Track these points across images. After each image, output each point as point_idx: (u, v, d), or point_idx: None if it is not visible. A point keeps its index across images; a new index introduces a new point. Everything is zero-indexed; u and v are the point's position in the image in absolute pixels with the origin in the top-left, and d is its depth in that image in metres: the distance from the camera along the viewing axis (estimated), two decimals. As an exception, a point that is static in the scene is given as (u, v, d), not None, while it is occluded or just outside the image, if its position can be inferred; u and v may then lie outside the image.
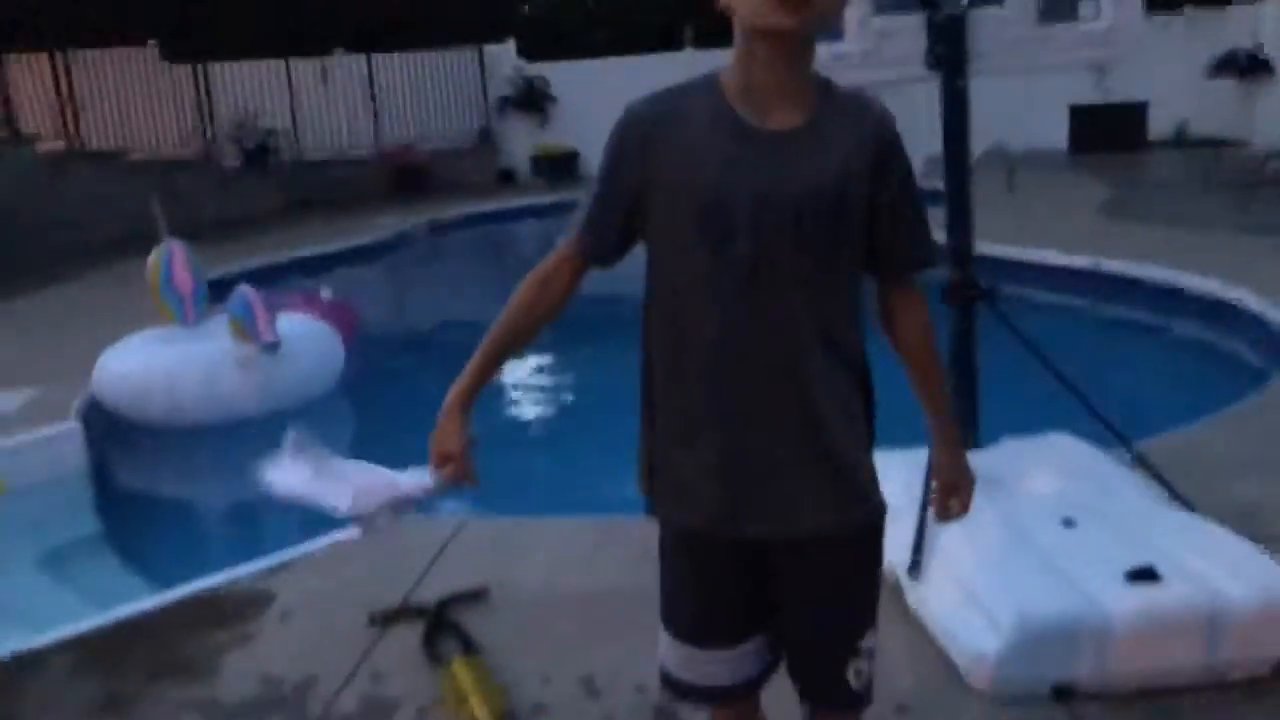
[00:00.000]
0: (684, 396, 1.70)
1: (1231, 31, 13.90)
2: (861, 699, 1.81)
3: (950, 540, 2.98)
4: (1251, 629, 2.62)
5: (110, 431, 5.84)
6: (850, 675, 1.77)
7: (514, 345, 1.78)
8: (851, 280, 1.69)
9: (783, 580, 1.75)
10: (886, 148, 1.65)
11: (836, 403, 1.68)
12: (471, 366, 1.77)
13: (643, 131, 1.65)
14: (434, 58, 15.96)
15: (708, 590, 1.79)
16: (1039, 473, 3.34)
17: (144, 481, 5.87)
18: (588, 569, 3.33)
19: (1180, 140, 13.79)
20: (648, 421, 1.77)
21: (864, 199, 1.63)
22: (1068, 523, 3.00)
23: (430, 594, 3.33)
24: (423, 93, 16.03)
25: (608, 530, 3.58)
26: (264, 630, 3.27)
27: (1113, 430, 3.53)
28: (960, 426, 1.93)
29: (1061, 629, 2.61)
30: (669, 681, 1.88)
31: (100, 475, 5.43)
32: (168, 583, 3.78)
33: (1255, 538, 2.91)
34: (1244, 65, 13.48)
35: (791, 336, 1.64)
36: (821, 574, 1.74)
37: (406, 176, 14.89)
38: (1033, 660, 2.61)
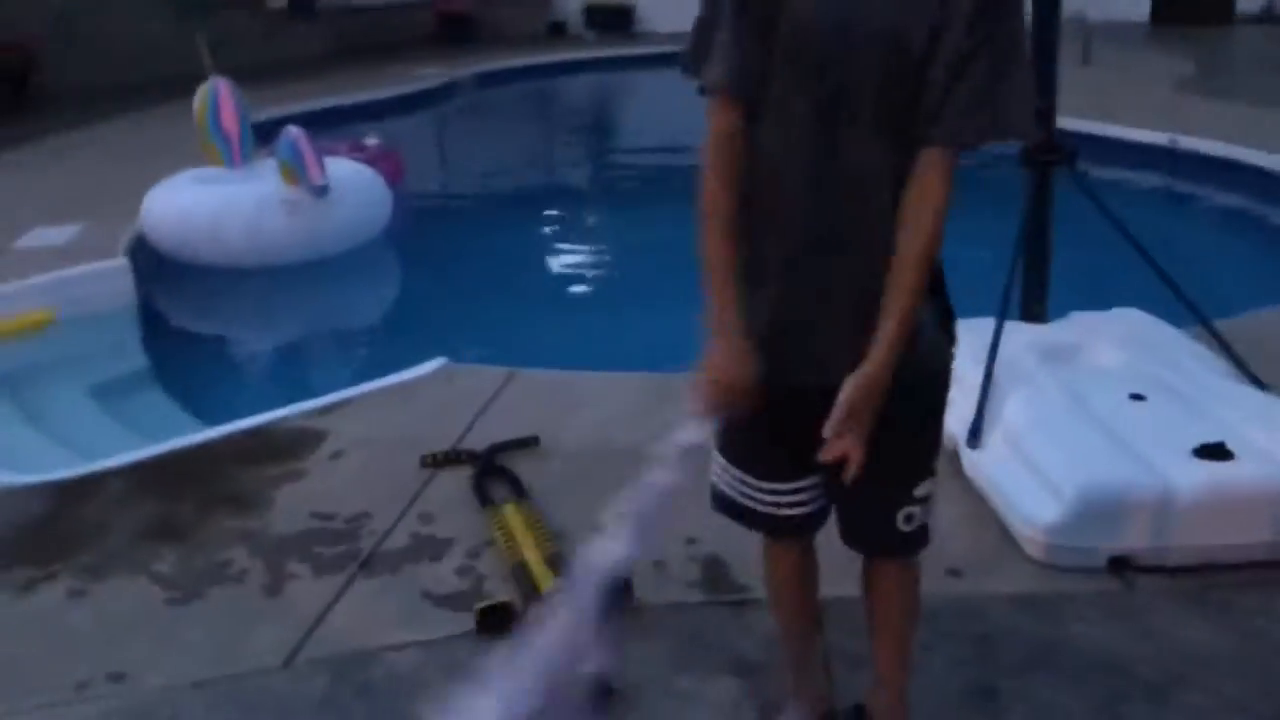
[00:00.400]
0: (750, 243, 1.63)
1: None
2: (911, 543, 1.79)
3: (1013, 411, 2.91)
4: (1321, 511, 2.55)
5: (159, 269, 5.86)
6: (900, 521, 1.75)
7: (734, 228, 1.63)
8: None
9: None
10: None
11: None
12: (719, 279, 1.61)
13: None
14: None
15: (763, 433, 1.75)
16: (1107, 346, 3.24)
17: (191, 320, 5.91)
18: (641, 423, 3.29)
19: (1270, 16, 12.98)
20: None
21: (960, 47, 1.49)
22: (1136, 397, 2.91)
23: (480, 441, 3.33)
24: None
25: (662, 386, 3.53)
26: (316, 468, 3.30)
27: (1187, 303, 3.39)
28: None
29: (1123, 500, 2.55)
30: (722, 500, 1.86)
31: (147, 311, 5.47)
32: (213, 419, 3.83)
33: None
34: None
35: (865, 187, 1.56)
36: (878, 425, 1.68)
37: (454, 25, 14.47)
38: (1091, 530, 2.57)
